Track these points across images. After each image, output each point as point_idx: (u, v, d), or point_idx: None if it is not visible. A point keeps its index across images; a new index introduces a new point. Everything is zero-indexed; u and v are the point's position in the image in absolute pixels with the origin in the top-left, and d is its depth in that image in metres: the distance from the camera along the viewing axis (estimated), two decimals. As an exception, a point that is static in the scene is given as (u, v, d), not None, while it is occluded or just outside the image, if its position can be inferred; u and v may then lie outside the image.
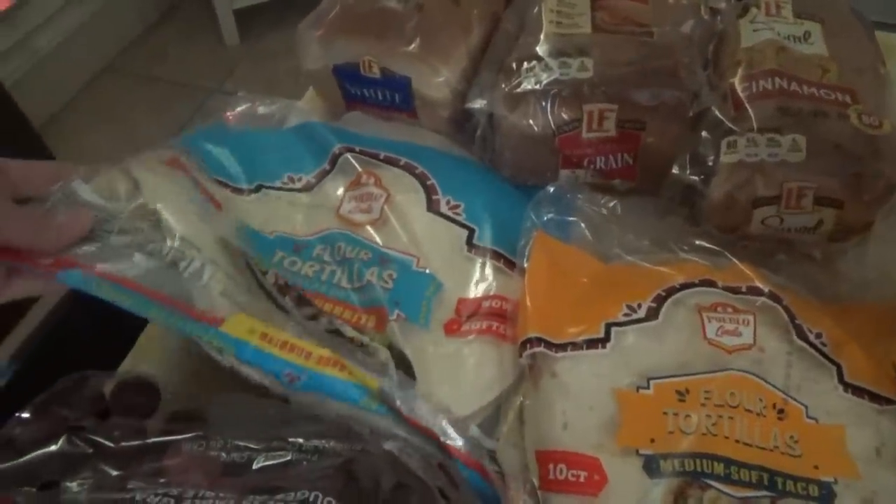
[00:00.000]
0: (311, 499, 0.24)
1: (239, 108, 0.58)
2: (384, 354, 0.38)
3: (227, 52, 1.91)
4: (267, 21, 1.87)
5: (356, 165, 0.49)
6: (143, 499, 0.24)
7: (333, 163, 0.50)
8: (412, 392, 0.34)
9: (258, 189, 0.50)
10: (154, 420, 0.31)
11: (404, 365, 0.38)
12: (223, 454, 0.27)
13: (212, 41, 1.92)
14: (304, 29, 0.54)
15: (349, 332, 0.38)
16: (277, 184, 0.50)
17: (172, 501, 0.24)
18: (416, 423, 0.32)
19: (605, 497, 0.33)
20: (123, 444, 0.28)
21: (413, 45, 0.50)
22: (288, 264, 0.44)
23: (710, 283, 0.42)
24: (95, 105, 1.80)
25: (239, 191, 0.49)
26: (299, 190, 0.50)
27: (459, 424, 0.37)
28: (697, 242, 0.46)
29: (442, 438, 0.32)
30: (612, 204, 0.48)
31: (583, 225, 0.47)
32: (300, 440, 0.28)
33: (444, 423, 0.32)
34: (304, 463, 0.27)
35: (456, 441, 0.32)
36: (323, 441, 0.28)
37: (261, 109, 0.57)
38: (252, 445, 0.27)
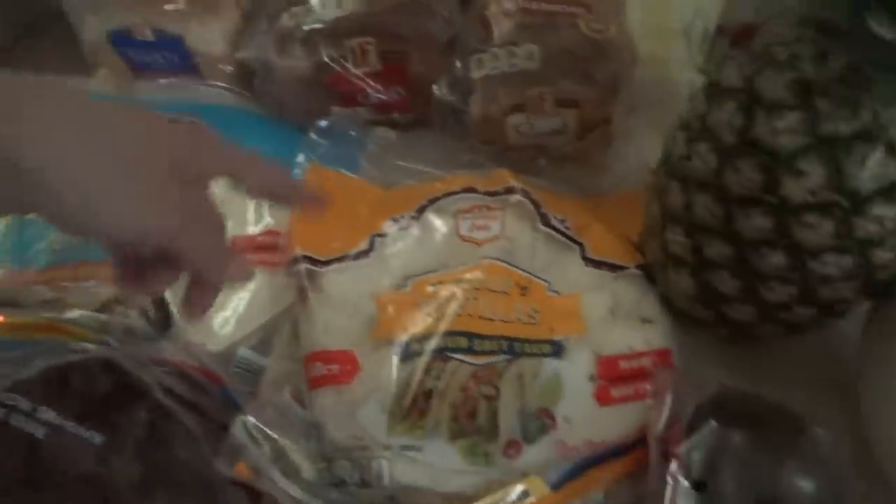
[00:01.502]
0: (6, 401, 0.25)
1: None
2: (145, 300, 0.39)
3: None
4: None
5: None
6: None
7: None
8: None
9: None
10: None
11: (164, 308, 0.39)
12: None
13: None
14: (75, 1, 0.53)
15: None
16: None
17: None
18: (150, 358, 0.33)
19: (358, 382, 0.36)
20: None
21: (179, 2, 0.51)
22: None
23: (472, 190, 0.45)
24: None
25: None
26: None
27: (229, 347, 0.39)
28: (468, 159, 0.49)
29: (175, 359, 0.33)
30: (389, 134, 0.51)
31: (361, 156, 0.49)
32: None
33: (171, 346, 0.34)
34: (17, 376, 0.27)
35: (191, 360, 0.33)
36: (40, 359, 0.29)
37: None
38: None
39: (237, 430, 0.30)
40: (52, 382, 0.27)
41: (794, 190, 0.30)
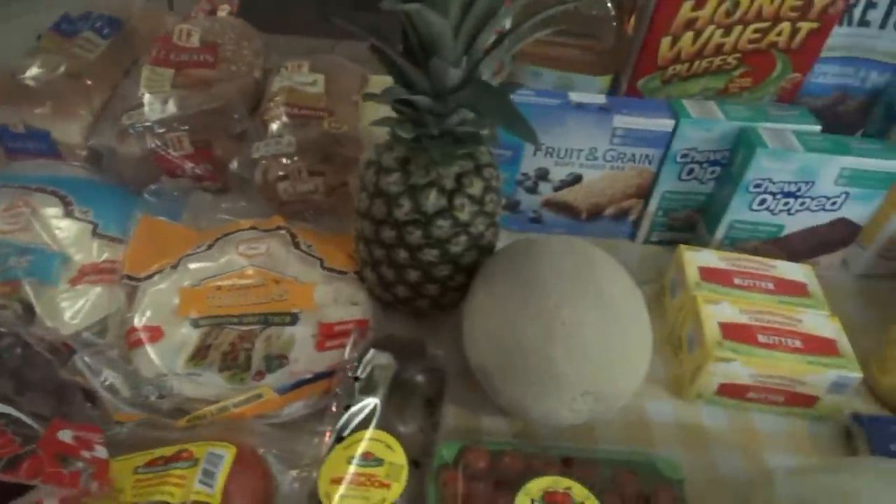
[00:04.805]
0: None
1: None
2: (17, 306, 0.59)
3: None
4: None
5: (12, 195, 0.69)
6: None
7: (-8, 195, 0.70)
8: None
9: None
10: None
11: (30, 309, 0.59)
12: None
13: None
14: (-39, 104, 0.73)
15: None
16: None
17: None
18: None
19: (162, 342, 0.57)
20: None
21: (46, 107, 0.72)
22: None
23: (254, 228, 0.69)
24: None
25: None
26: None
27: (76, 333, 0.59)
28: (257, 212, 0.73)
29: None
30: (202, 195, 0.74)
31: (183, 209, 0.72)
32: None
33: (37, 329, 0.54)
34: None
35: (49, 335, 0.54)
36: None
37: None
38: None
39: (77, 361, 0.50)
40: None
41: (399, 214, 0.56)
